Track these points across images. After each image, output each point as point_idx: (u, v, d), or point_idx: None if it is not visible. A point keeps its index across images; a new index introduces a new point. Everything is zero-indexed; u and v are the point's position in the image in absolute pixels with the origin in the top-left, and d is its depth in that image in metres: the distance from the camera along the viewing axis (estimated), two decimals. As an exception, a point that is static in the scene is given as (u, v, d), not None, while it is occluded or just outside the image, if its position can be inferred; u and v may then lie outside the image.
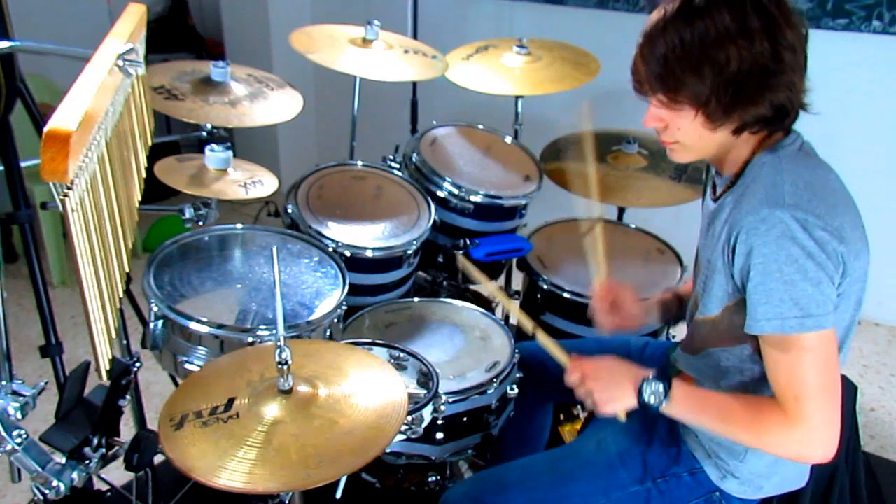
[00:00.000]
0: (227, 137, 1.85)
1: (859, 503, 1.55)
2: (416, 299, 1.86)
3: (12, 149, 1.81)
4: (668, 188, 2.17)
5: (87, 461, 1.10)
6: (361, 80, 2.25)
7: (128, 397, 1.20)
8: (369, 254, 1.78)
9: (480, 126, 2.33)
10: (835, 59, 2.75)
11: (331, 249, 1.74)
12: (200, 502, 1.85)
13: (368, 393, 1.14)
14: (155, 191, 1.56)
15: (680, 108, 1.12)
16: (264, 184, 1.73)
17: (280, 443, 1.03)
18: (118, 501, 1.73)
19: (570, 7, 3.27)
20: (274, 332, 1.44)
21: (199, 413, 1.09)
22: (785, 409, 1.10)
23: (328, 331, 1.58)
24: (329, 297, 1.61)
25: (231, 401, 1.11)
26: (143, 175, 1.41)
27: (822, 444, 1.09)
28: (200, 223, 1.74)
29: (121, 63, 1.13)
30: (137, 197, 1.36)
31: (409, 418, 1.31)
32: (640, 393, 1.20)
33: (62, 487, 1.05)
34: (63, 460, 1.08)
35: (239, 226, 1.78)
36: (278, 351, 1.08)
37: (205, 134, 1.86)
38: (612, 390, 1.23)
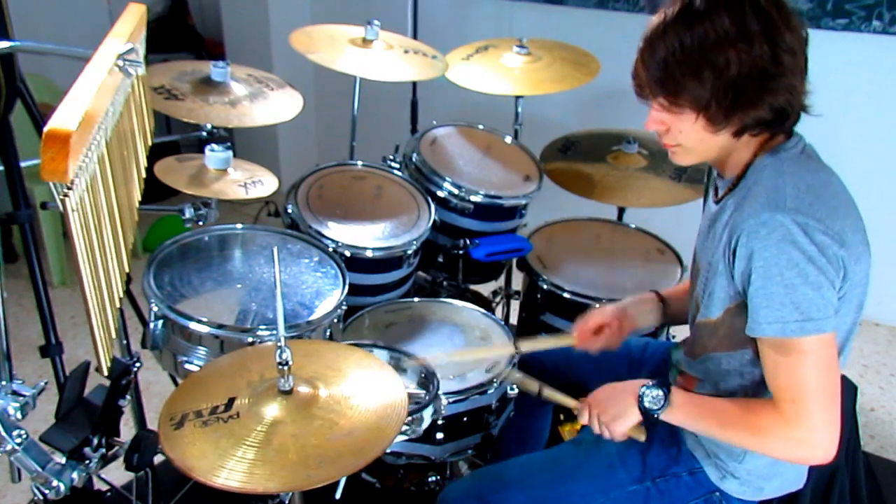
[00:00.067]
0: (227, 137, 1.85)
1: (859, 503, 1.55)
2: (416, 299, 1.86)
3: (12, 149, 1.81)
4: (668, 188, 2.17)
5: (87, 461, 1.10)
6: (361, 80, 2.25)
7: (128, 397, 1.20)
8: (369, 254, 1.78)
9: (480, 126, 2.33)
10: (835, 59, 2.75)
11: (331, 249, 1.74)
12: (200, 502, 1.85)
13: (368, 394, 1.14)
14: (155, 191, 1.56)
15: (681, 111, 1.12)
16: (264, 184, 1.73)
17: (280, 443, 1.03)
18: (118, 501, 1.73)
19: (570, 7, 3.27)
20: (274, 332, 1.44)
21: (200, 413, 1.09)
22: (783, 412, 1.10)
23: (328, 331, 1.58)
24: (329, 297, 1.61)
25: (231, 401, 1.11)
26: (143, 175, 1.41)
27: (822, 446, 1.09)
28: (200, 223, 1.74)
29: (121, 63, 1.13)
30: (137, 197, 1.36)
31: (409, 419, 1.31)
32: (640, 400, 1.21)
33: (62, 487, 1.05)
34: (63, 460, 1.08)
35: (239, 226, 1.78)
36: (279, 351, 1.08)
37: (205, 134, 1.86)
38: (615, 408, 1.25)
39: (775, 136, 1.16)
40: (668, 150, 1.22)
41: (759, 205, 1.08)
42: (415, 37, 3.02)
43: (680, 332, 1.69)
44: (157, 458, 1.18)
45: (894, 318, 3.10)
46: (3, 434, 1.03)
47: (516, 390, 1.60)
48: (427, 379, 1.44)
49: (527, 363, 1.64)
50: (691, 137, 1.15)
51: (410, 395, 1.23)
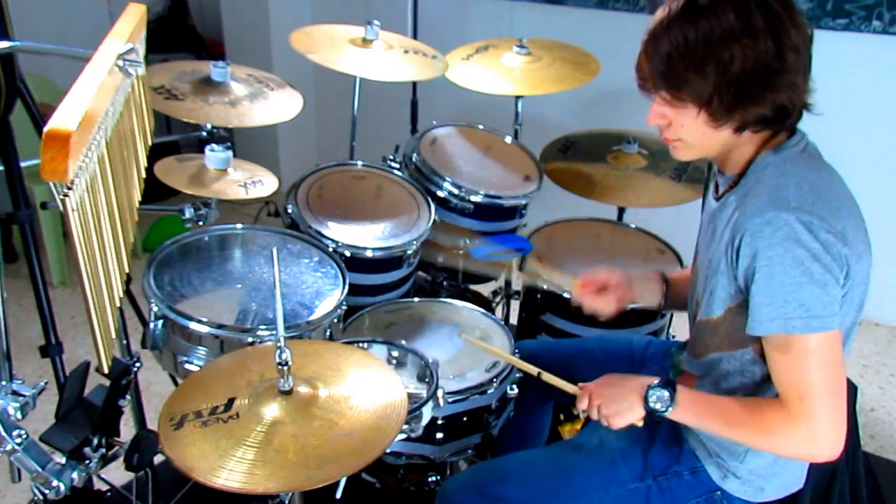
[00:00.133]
0: (227, 137, 1.85)
1: (859, 503, 1.55)
2: (416, 299, 1.86)
3: (12, 149, 1.81)
4: (668, 188, 2.17)
5: (87, 461, 1.10)
6: (361, 80, 2.25)
7: (128, 397, 1.20)
8: (369, 254, 1.78)
9: (480, 126, 2.33)
10: (835, 59, 2.75)
11: (331, 249, 1.74)
12: (200, 502, 1.85)
13: (368, 394, 1.14)
14: (155, 191, 1.56)
15: (683, 105, 1.12)
16: (264, 184, 1.73)
17: (280, 443, 1.03)
18: (118, 501, 1.73)
19: (570, 7, 3.28)
20: (274, 332, 1.44)
21: (199, 413, 1.09)
22: (789, 410, 1.10)
23: (328, 331, 1.58)
24: (329, 297, 1.61)
25: (231, 401, 1.11)
26: (143, 175, 1.41)
27: (829, 443, 1.09)
28: (200, 223, 1.74)
29: (121, 63, 1.13)
30: (137, 197, 1.36)
31: (409, 417, 1.31)
32: (645, 400, 1.21)
33: (62, 487, 1.05)
34: (63, 460, 1.08)
35: (239, 226, 1.77)
36: (278, 351, 1.08)
37: (205, 134, 1.86)
38: (618, 403, 1.25)
39: (777, 133, 1.16)
40: (669, 145, 1.22)
41: (762, 203, 1.08)
42: (415, 37, 3.02)
43: (680, 333, 1.69)
44: (157, 458, 1.18)
45: (894, 318, 3.10)
46: (3, 434, 1.03)
47: (516, 390, 1.60)
48: (426, 375, 1.44)
49: (527, 359, 1.63)
50: (693, 132, 1.15)
51: (409, 395, 1.23)
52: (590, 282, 1.50)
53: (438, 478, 1.65)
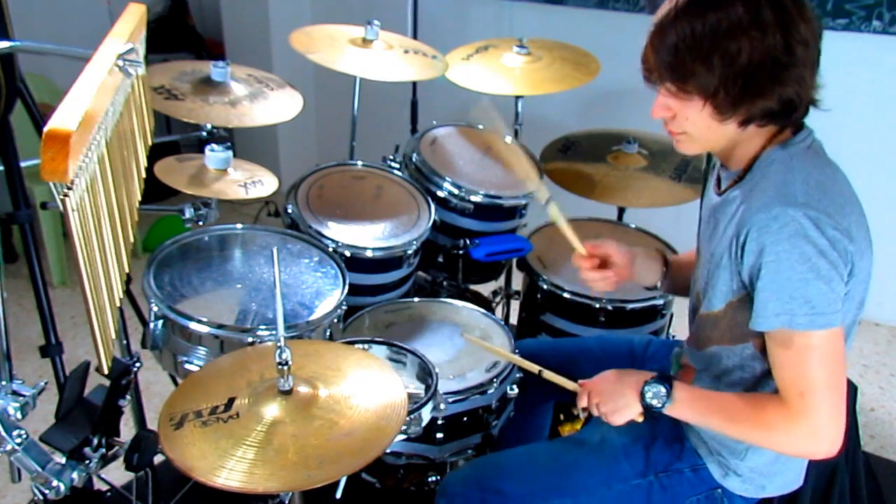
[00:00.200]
0: (227, 137, 1.85)
1: (859, 503, 1.55)
2: (416, 299, 1.86)
3: (12, 149, 1.81)
4: (668, 188, 2.17)
5: (87, 461, 1.10)
6: (361, 80, 2.25)
7: (128, 397, 1.20)
8: (369, 254, 1.78)
9: (480, 126, 2.33)
10: (835, 59, 2.74)
11: (331, 249, 1.74)
12: (200, 502, 1.85)
13: (368, 394, 1.14)
14: (155, 191, 1.56)
15: (688, 98, 1.11)
16: (264, 184, 1.73)
17: (280, 443, 1.03)
18: (118, 501, 1.73)
19: (570, 7, 3.27)
20: (274, 332, 1.44)
21: (199, 413, 1.09)
22: (789, 405, 1.10)
23: (328, 331, 1.58)
24: (329, 297, 1.61)
25: (231, 401, 1.11)
26: (143, 175, 1.41)
27: (828, 439, 1.09)
28: (200, 223, 1.74)
29: (121, 63, 1.13)
30: (137, 197, 1.36)
31: (409, 417, 1.31)
32: (642, 396, 1.21)
33: (62, 487, 1.05)
34: (63, 460, 1.08)
35: (239, 226, 1.77)
36: (278, 351, 1.08)
37: (205, 134, 1.86)
38: (616, 400, 1.25)
39: (784, 129, 1.15)
40: (674, 139, 1.20)
41: (768, 199, 1.08)
42: (415, 37, 3.02)
43: (680, 332, 1.69)
44: (157, 458, 1.18)
45: (894, 318, 3.10)
46: (3, 434, 1.03)
47: (516, 390, 1.60)
48: (426, 376, 1.44)
49: (528, 358, 1.63)
50: (697, 125, 1.14)
51: (409, 395, 1.23)
52: (598, 251, 1.47)
53: (438, 478, 1.65)
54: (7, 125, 1.77)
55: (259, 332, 1.46)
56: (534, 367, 1.41)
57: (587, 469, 1.35)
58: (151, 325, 1.49)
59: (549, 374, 1.39)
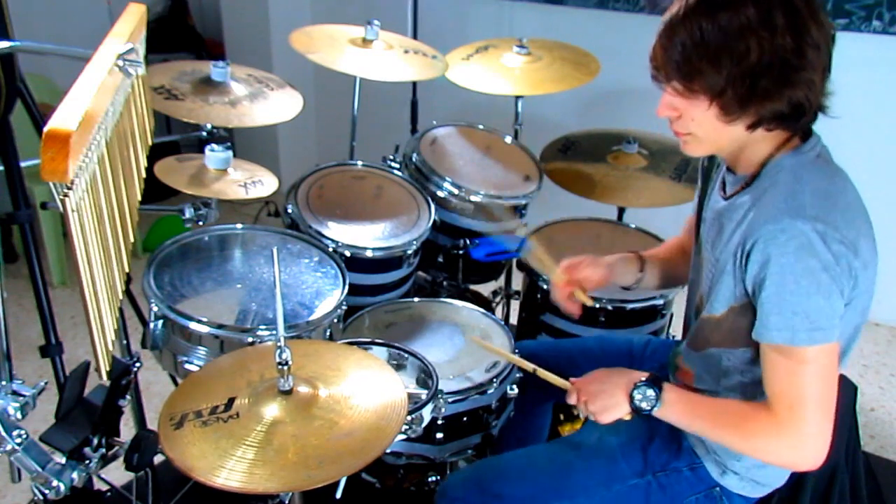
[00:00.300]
0: (227, 137, 1.85)
1: (859, 503, 1.55)
2: (416, 299, 1.86)
3: (12, 149, 1.81)
4: (668, 188, 2.17)
5: (87, 461, 1.10)
6: (361, 80, 2.25)
7: (128, 397, 1.20)
8: (369, 254, 1.78)
9: (480, 126, 2.33)
10: (835, 59, 2.74)
11: (331, 249, 1.74)
12: (200, 502, 1.84)
13: (368, 394, 1.14)
14: (155, 191, 1.56)
15: (694, 97, 1.10)
16: (264, 184, 1.73)
17: (280, 443, 1.03)
18: (118, 501, 1.73)
19: (570, 7, 3.27)
20: (274, 332, 1.44)
21: (199, 413, 1.09)
22: (777, 416, 1.10)
23: (328, 331, 1.58)
24: (329, 297, 1.61)
25: (231, 401, 1.11)
26: (143, 175, 1.41)
27: (812, 453, 1.10)
28: (200, 223, 1.74)
29: (121, 63, 1.13)
30: (137, 197, 1.36)
31: (409, 418, 1.31)
32: (631, 398, 1.21)
33: (62, 487, 1.05)
34: (63, 460, 1.08)
35: (239, 226, 1.78)
36: (278, 351, 1.08)
37: (205, 134, 1.86)
38: (604, 399, 1.25)
39: (793, 136, 1.14)
40: (680, 140, 1.19)
41: (777, 210, 1.07)
42: (415, 37, 3.02)
43: (680, 333, 1.69)
44: (157, 458, 1.18)
45: (894, 318, 3.11)
46: (3, 434, 1.03)
47: (516, 390, 1.60)
48: (426, 377, 1.44)
49: (526, 357, 1.63)
50: (703, 126, 1.13)
51: (410, 395, 1.23)
52: (572, 279, 1.48)
53: (438, 478, 1.65)
54: (7, 125, 1.77)
55: (259, 332, 1.46)
56: (528, 366, 1.41)
57: (585, 470, 1.35)
58: (151, 325, 1.49)
59: (543, 373, 1.39)
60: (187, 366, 1.49)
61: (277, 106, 1.93)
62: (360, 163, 2.07)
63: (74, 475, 1.07)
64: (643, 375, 1.23)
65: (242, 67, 2.03)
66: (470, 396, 1.52)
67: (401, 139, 2.25)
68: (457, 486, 1.38)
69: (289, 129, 3.55)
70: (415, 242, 1.84)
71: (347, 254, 1.75)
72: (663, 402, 1.20)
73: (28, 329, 2.59)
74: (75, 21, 3.46)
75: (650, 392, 1.20)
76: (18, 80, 1.79)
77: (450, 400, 1.49)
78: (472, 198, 1.99)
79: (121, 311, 1.67)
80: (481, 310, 1.82)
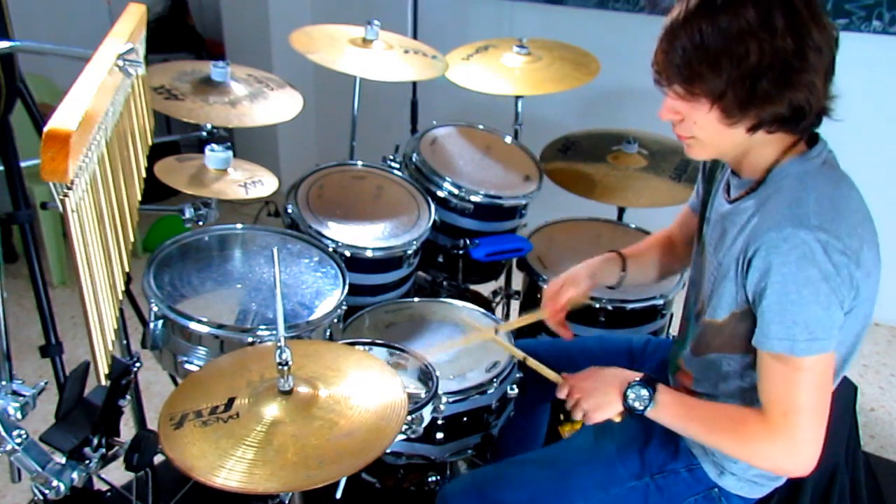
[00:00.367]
0: (227, 137, 1.85)
1: (859, 503, 1.55)
2: (416, 299, 1.86)
3: (12, 149, 1.81)
4: (668, 188, 2.17)
5: (87, 461, 1.10)
6: (361, 80, 2.25)
7: (128, 397, 1.20)
8: (369, 254, 1.78)
9: (480, 126, 2.33)
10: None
11: (331, 249, 1.74)
12: (200, 502, 1.84)
13: (368, 394, 1.14)
14: (155, 191, 1.56)
15: (695, 100, 1.09)
16: (264, 184, 1.73)
17: (280, 443, 1.03)
18: (118, 501, 1.73)
19: (570, 7, 3.27)
20: (274, 332, 1.44)
21: (199, 413, 1.09)
22: (772, 422, 1.11)
23: (328, 331, 1.58)
24: (329, 297, 1.61)
25: (231, 401, 1.11)
26: (143, 175, 1.41)
27: (804, 460, 1.10)
28: (200, 223, 1.74)
29: (121, 63, 1.13)
30: (137, 197, 1.36)
31: (409, 418, 1.31)
32: (625, 397, 1.21)
33: (62, 487, 1.05)
34: (63, 460, 1.08)
35: (239, 226, 1.78)
36: (279, 351, 1.08)
37: (205, 134, 1.86)
38: (597, 397, 1.25)
39: (799, 141, 1.14)
40: (684, 143, 1.19)
41: (781, 218, 1.07)
42: (415, 37, 3.02)
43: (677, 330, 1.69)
44: (157, 458, 1.18)
45: (894, 318, 3.11)
46: (3, 434, 1.03)
47: (516, 390, 1.60)
48: (426, 377, 1.44)
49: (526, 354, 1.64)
50: (705, 129, 1.13)
51: (410, 395, 1.23)
52: (557, 308, 1.49)
53: (438, 478, 1.65)
54: (7, 125, 1.78)
55: (259, 332, 1.46)
56: (519, 354, 1.41)
57: (583, 474, 1.36)
58: (151, 325, 1.49)
59: (533, 363, 1.39)
60: (187, 366, 1.49)
61: (277, 106, 1.93)
62: (360, 163, 2.07)
63: (74, 475, 1.07)
64: (637, 375, 1.23)
65: (242, 67, 2.03)
66: (470, 396, 1.52)
67: (401, 139, 2.25)
68: (456, 494, 1.38)
69: (289, 129, 3.55)
70: (415, 242, 1.84)
71: (347, 254, 1.75)
72: (657, 402, 1.20)
73: (28, 329, 2.59)
74: (75, 21, 3.47)
75: (644, 392, 1.20)
76: (18, 80, 1.79)
77: (450, 400, 1.49)
78: (472, 198, 1.99)
79: (121, 311, 1.67)
80: (481, 310, 1.82)
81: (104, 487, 1.64)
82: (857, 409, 1.70)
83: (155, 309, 1.49)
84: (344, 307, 1.61)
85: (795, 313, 1.05)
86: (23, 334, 2.65)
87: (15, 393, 1.09)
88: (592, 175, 2.22)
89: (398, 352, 1.51)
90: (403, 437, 1.38)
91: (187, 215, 1.72)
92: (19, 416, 1.07)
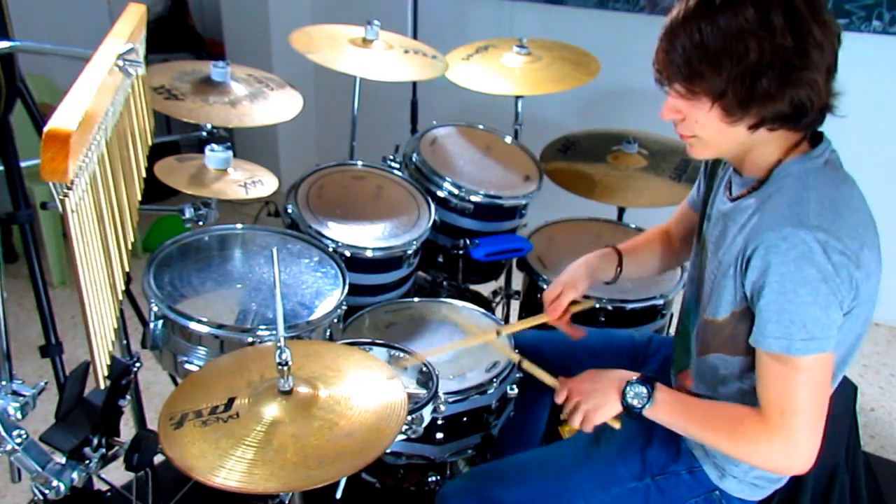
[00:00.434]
0: (227, 137, 1.85)
1: (859, 503, 1.55)
2: (416, 299, 1.86)
3: (12, 149, 1.81)
4: (668, 188, 2.17)
5: (87, 461, 1.10)
6: (361, 80, 2.25)
7: (128, 397, 1.20)
8: (369, 254, 1.78)
9: (480, 126, 2.33)
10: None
11: (331, 249, 1.74)
12: (200, 502, 1.84)
13: (368, 394, 1.14)
14: (155, 191, 1.56)
15: (696, 99, 1.09)
16: (264, 184, 1.73)
17: (280, 443, 1.03)
18: (118, 501, 1.73)
19: (570, 7, 3.28)
20: (274, 332, 1.44)
21: (199, 412, 1.09)
22: (769, 422, 1.11)
23: (328, 331, 1.58)
24: (329, 297, 1.61)
25: (231, 401, 1.11)
26: (143, 175, 1.41)
27: (801, 459, 1.10)
28: (200, 223, 1.74)
29: (121, 63, 1.13)
30: (137, 197, 1.36)
31: (409, 418, 1.31)
32: (623, 395, 1.21)
33: (62, 487, 1.05)
34: (63, 460, 1.08)
35: (239, 226, 1.78)
36: (278, 351, 1.08)
37: (205, 134, 1.86)
38: (596, 398, 1.25)
39: (802, 140, 1.14)
40: (686, 143, 1.19)
41: (780, 217, 1.07)
42: (415, 37, 3.02)
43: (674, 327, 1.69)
44: (157, 458, 1.18)
45: (894, 318, 3.11)
46: (3, 434, 1.03)
47: (516, 390, 1.60)
48: (426, 377, 1.44)
49: (528, 352, 1.63)
50: (707, 128, 1.12)
51: (410, 395, 1.23)
52: (558, 308, 1.49)
53: (438, 478, 1.65)
54: (7, 125, 1.78)
55: (259, 332, 1.46)
56: (515, 356, 1.41)
57: (584, 474, 1.35)
58: (151, 325, 1.49)
59: (528, 366, 1.39)
60: (187, 366, 1.49)
61: (277, 106, 1.93)
62: (360, 163, 2.07)
63: (74, 475, 1.07)
64: (635, 375, 1.23)
65: (242, 67, 2.03)
66: (470, 396, 1.52)
67: (401, 139, 2.25)
68: (456, 494, 1.38)
69: (289, 129, 3.56)
70: (415, 242, 1.84)
71: (347, 254, 1.75)
72: (655, 401, 1.20)
73: (28, 329, 2.59)
74: (75, 21, 3.47)
75: (642, 389, 1.20)
76: (18, 80, 1.79)
77: (450, 400, 1.49)
78: (472, 198, 1.99)
79: (121, 311, 1.67)
80: (481, 310, 1.82)
81: (104, 487, 1.64)
82: (857, 409, 1.71)
83: (155, 309, 1.49)
84: (344, 307, 1.61)
85: (793, 313, 1.05)
86: (23, 334, 2.65)
87: (15, 393, 1.09)
88: (592, 175, 2.22)
89: (398, 352, 1.51)
90: (403, 437, 1.38)
91: (187, 215, 1.72)
92: (19, 416, 1.07)
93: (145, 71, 1.35)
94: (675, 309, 2.00)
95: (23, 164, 1.83)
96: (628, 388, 1.21)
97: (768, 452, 1.12)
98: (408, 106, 3.07)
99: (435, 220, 1.93)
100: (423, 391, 1.42)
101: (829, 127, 1.16)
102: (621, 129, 2.39)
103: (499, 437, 1.64)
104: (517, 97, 2.41)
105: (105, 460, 1.13)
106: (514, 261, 2.17)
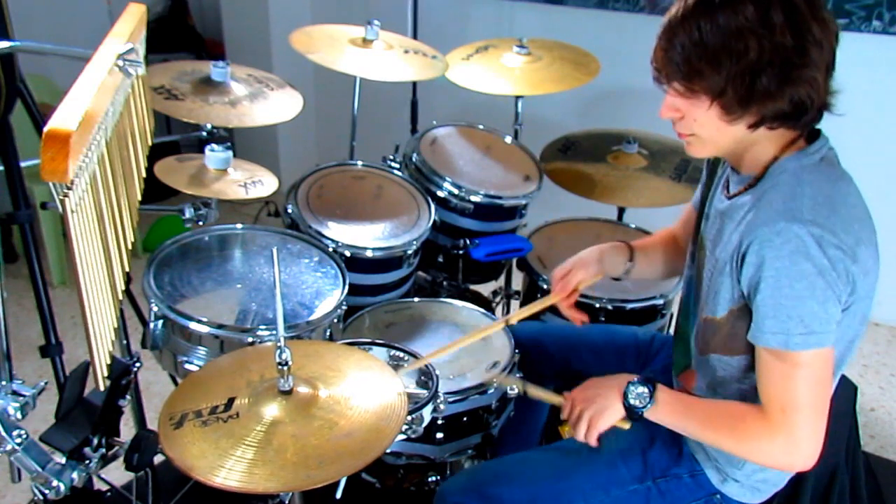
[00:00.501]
0: (227, 137, 1.85)
1: (859, 503, 1.55)
2: (416, 299, 1.86)
3: (12, 149, 1.81)
4: (668, 188, 2.17)
5: (87, 461, 1.10)
6: (361, 80, 2.25)
7: (128, 397, 1.20)
8: (369, 254, 1.78)
9: (480, 126, 2.33)
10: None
11: (331, 249, 1.74)
12: (200, 502, 1.84)
13: (368, 395, 1.14)
14: (155, 191, 1.56)
15: (696, 97, 1.09)
16: (264, 184, 1.73)
17: (280, 443, 1.03)
18: (118, 501, 1.73)
19: (570, 7, 3.28)
20: (274, 332, 1.44)
21: (199, 412, 1.09)
22: (770, 419, 1.10)
23: (328, 331, 1.58)
24: (329, 297, 1.61)
25: (231, 400, 1.11)
26: (143, 175, 1.41)
27: (804, 456, 1.10)
28: (200, 223, 1.74)
29: (121, 63, 1.13)
30: (137, 197, 1.36)
31: (409, 418, 1.31)
32: (625, 396, 1.21)
33: (62, 487, 1.05)
34: (63, 460, 1.08)
35: (239, 226, 1.78)
36: (278, 351, 1.08)
37: (205, 134, 1.86)
38: (599, 402, 1.25)
39: (798, 137, 1.14)
40: (684, 141, 1.19)
41: (774, 212, 1.07)
42: (415, 37, 3.02)
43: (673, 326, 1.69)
44: (157, 458, 1.18)
45: (894, 318, 3.11)
46: (3, 434, 1.03)
47: (516, 390, 1.60)
48: (426, 377, 1.44)
49: (529, 350, 1.63)
50: (706, 127, 1.12)
51: (410, 395, 1.23)
52: (568, 289, 1.49)
53: (438, 478, 1.65)
54: (7, 125, 1.78)
55: (259, 332, 1.46)
56: (518, 385, 1.42)
57: (585, 474, 1.35)
58: (151, 325, 1.49)
59: (533, 391, 1.39)
60: (187, 366, 1.49)
61: (277, 106, 1.93)
62: (360, 163, 2.07)
63: (74, 475, 1.07)
64: (635, 376, 1.23)
65: (242, 67, 2.03)
66: (470, 396, 1.52)
67: (401, 139, 2.25)
68: (454, 491, 1.38)
69: (289, 129, 3.56)
70: (415, 242, 1.84)
71: (347, 254, 1.75)
72: (656, 401, 1.20)
73: (28, 329, 2.59)
74: (75, 21, 3.47)
75: (643, 389, 1.20)
76: (18, 80, 1.79)
77: (450, 400, 1.49)
78: (472, 198, 1.99)
79: (121, 311, 1.67)
80: (481, 310, 1.82)
81: (104, 487, 1.64)
82: (857, 409, 1.71)
83: (155, 309, 1.49)
84: (344, 307, 1.61)
85: (790, 307, 1.05)
86: (23, 334, 2.65)
87: (15, 393, 1.09)
88: (592, 175, 2.22)
89: (398, 352, 1.51)
90: (403, 437, 1.38)
91: (187, 215, 1.72)
92: (19, 416, 1.07)
93: (145, 71, 1.35)
94: (675, 309, 2.00)
95: (23, 164, 1.83)
96: (630, 389, 1.21)
97: (770, 450, 1.12)
98: (408, 106, 3.07)
99: (435, 220, 1.93)
100: (423, 391, 1.42)
101: (828, 127, 1.16)
102: (621, 129, 2.39)
103: (499, 437, 1.64)
104: (517, 97, 2.41)
105: (105, 460, 1.13)
106: (514, 261, 2.17)
